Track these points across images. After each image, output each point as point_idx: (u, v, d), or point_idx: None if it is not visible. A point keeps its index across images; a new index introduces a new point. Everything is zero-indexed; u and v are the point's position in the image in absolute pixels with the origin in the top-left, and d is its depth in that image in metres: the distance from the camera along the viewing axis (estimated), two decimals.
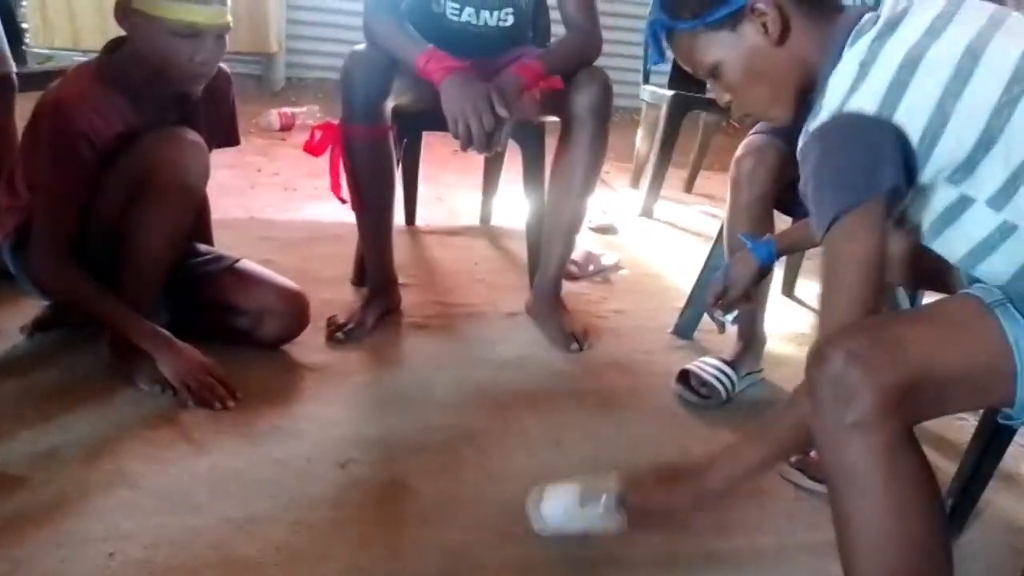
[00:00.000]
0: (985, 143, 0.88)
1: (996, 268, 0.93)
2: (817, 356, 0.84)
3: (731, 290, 1.44)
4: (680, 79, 3.20)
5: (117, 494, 1.26)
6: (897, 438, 0.80)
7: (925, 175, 0.92)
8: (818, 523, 1.37)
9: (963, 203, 0.93)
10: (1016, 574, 1.28)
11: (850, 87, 0.92)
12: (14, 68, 1.87)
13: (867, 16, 1.00)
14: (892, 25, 0.95)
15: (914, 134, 0.89)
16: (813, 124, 0.95)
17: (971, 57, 0.89)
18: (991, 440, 1.33)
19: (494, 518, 1.30)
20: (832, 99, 0.94)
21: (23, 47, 2.46)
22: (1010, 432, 1.32)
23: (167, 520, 1.21)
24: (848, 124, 0.90)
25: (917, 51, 0.90)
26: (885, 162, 0.89)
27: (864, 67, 0.93)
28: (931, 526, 0.82)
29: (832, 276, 0.93)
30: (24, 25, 3.40)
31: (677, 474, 1.20)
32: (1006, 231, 0.92)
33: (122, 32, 1.50)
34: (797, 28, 1.03)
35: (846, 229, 0.90)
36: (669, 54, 1.13)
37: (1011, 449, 1.37)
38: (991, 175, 0.89)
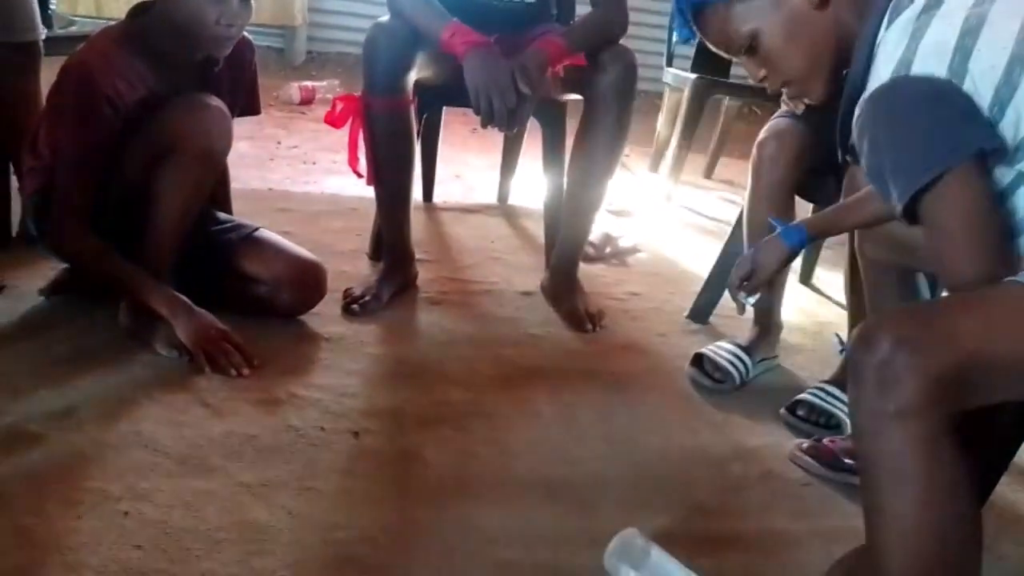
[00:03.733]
0: None
1: None
2: (863, 339, 0.81)
3: (758, 273, 1.42)
4: (704, 63, 3.17)
5: (133, 455, 1.27)
6: (939, 427, 0.78)
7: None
8: (828, 510, 1.37)
9: (1019, 180, 0.90)
10: None
11: (905, 52, 0.89)
12: (42, 34, 1.88)
13: None
14: (937, 1, 0.92)
15: (983, 103, 0.86)
16: (870, 90, 0.92)
17: None
18: (1007, 436, 1.32)
19: (505, 492, 1.30)
20: (886, 64, 0.91)
21: (48, 12, 2.46)
22: None
23: (182, 482, 1.23)
24: (919, 87, 0.87)
25: (977, 18, 0.88)
26: (971, 122, 0.85)
27: (916, 34, 0.90)
28: (966, 519, 0.80)
29: (945, 251, 0.88)
30: None
31: None
32: None
33: None
34: None
35: (941, 197, 0.85)
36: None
37: None
38: None
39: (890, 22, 0.96)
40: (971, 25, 0.88)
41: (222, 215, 1.75)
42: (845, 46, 1.02)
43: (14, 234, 1.93)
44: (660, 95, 3.43)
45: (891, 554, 0.82)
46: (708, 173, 3.64)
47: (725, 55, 1.12)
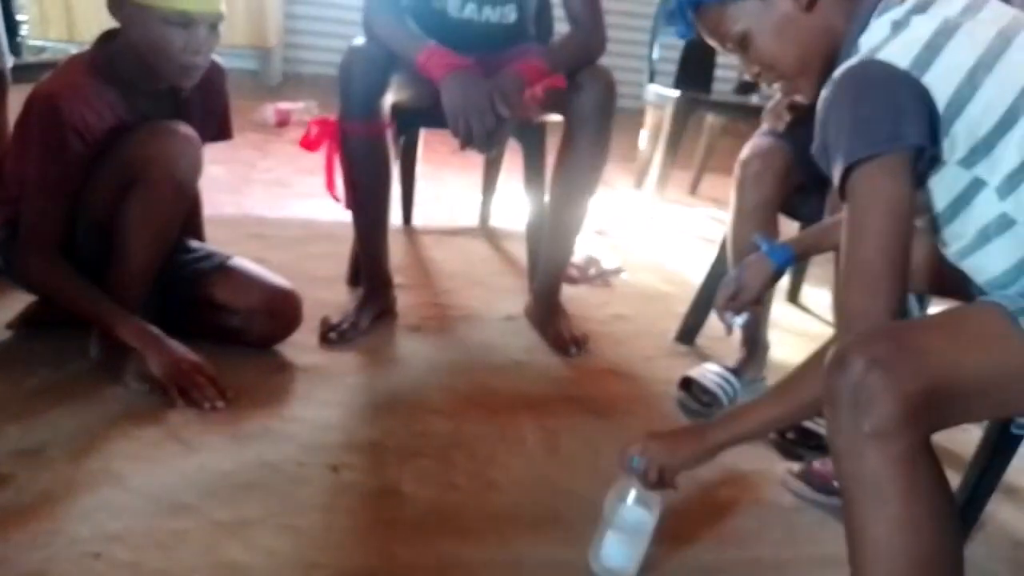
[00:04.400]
0: (1007, 123, 0.87)
1: (989, 261, 0.92)
2: (837, 361, 0.81)
3: (744, 293, 1.41)
4: (687, 78, 3.18)
5: (104, 494, 1.23)
6: (916, 447, 0.77)
7: (944, 148, 0.90)
8: (819, 535, 1.35)
9: (975, 187, 0.91)
10: None
11: (881, 42, 0.91)
12: (9, 62, 1.84)
13: None
14: (924, 6, 0.94)
15: (941, 98, 0.87)
16: (838, 72, 0.93)
17: (1004, 39, 0.89)
18: (995, 453, 1.31)
19: (490, 526, 1.27)
20: (861, 53, 0.93)
21: (18, 39, 2.42)
22: (1015, 444, 1.30)
23: (155, 522, 1.19)
24: (876, 71, 0.88)
25: (954, 22, 0.90)
26: (913, 117, 0.86)
27: (897, 27, 0.92)
28: (945, 539, 0.79)
29: (855, 227, 0.89)
30: (21, 17, 3.36)
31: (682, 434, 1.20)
32: (1004, 224, 0.90)
33: (116, 24, 1.47)
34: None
35: (869, 175, 0.87)
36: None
37: (1014, 463, 1.34)
38: (1006, 158, 0.88)
39: (877, 18, 0.97)
40: (948, 27, 0.89)
41: (194, 243, 1.70)
42: (834, 47, 1.03)
43: None
44: (642, 111, 3.43)
45: (870, 574, 0.80)
46: (693, 190, 3.63)
47: (720, 50, 1.12)
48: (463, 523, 1.27)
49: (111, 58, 1.48)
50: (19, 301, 1.67)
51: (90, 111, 1.43)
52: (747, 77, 1.14)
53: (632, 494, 1.18)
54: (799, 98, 1.09)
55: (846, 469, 0.79)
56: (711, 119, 3.44)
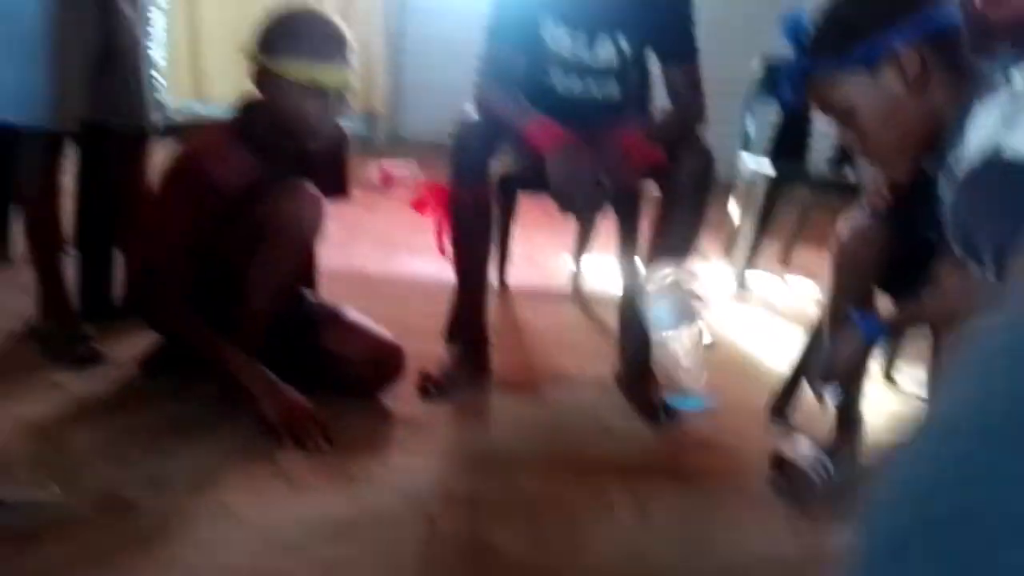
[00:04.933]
0: None
1: None
2: None
3: (836, 367, 1.41)
4: (782, 149, 3.18)
5: (217, 525, 1.31)
6: None
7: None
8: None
9: None
10: None
11: (1000, 129, 0.91)
12: (157, 119, 2.02)
13: (998, 81, 1.00)
14: None
15: None
16: (963, 167, 0.93)
17: None
18: None
19: None
20: (977, 141, 0.93)
21: (158, 97, 2.64)
22: None
23: (266, 557, 1.25)
24: (1014, 168, 0.89)
25: None
26: None
27: (1017, 112, 0.91)
28: None
29: None
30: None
31: None
32: None
33: (247, 87, 1.61)
34: (935, 80, 1.03)
35: None
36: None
37: None
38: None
39: (981, 101, 0.98)
40: None
41: (307, 293, 1.82)
42: (935, 130, 1.04)
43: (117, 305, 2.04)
44: (733, 180, 3.44)
45: None
46: (784, 261, 3.60)
47: (823, 118, 1.15)
48: None
49: (251, 122, 1.62)
50: (147, 340, 1.81)
51: (230, 171, 1.57)
52: (842, 143, 1.16)
53: None
54: (888, 176, 1.10)
55: None
56: (803, 190, 3.43)
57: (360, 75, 1.57)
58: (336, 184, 1.80)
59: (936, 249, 1.48)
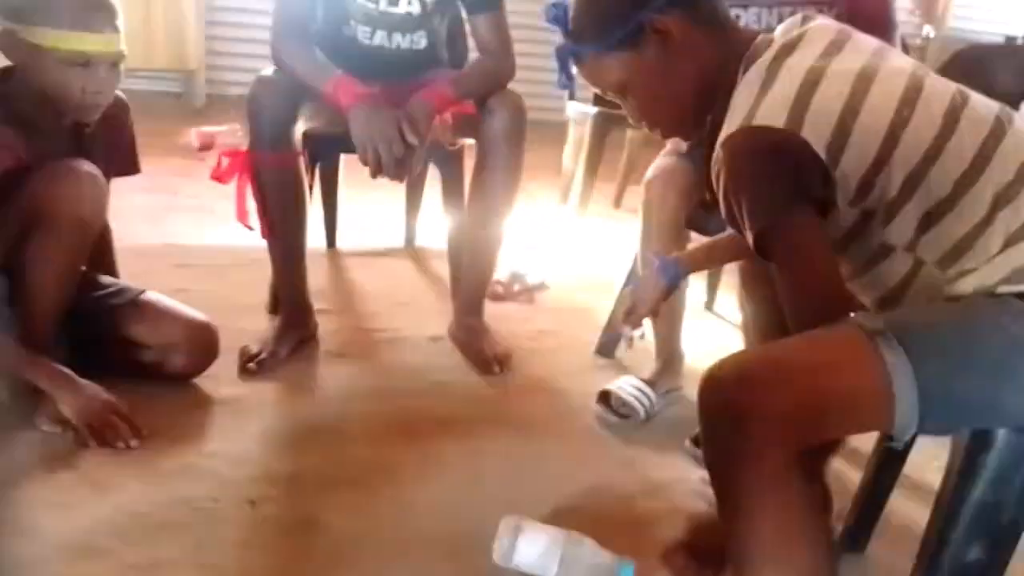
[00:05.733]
0: (881, 160, 0.92)
1: (875, 283, 0.97)
2: (711, 380, 0.85)
3: (638, 307, 1.47)
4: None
5: (12, 544, 1.20)
6: (786, 463, 0.81)
7: (836, 192, 0.94)
8: None
9: (864, 219, 0.96)
10: None
11: (753, 102, 0.95)
12: None
13: (760, 38, 1.05)
14: (788, 49, 0.99)
15: (820, 148, 0.91)
16: (721, 138, 0.97)
17: (864, 80, 0.93)
18: (891, 450, 1.37)
19: (410, 553, 1.28)
20: (737, 114, 0.96)
21: None
22: (908, 442, 1.36)
23: (65, 569, 1.17)
24: (760, 139, 0.93)
25: (817, 71, 0.94)
26: (807, 175, 0.91)
27: (766, 84, 0.96)
28: (816, 551, 0.83)
29: (790, 283, 0.93)
30: None
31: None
32: (886, 250, 0.96)
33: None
34: (697, 45, 1.06)
35: (782, 238, 0.91)
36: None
37: (916, 457, 1.40)
38: (887, 189, 0.93)
39: (745, 69, 1.01)
40: (812, 77, 0.94)
41: (105, 279, 1.68)
42: (707, 92, 1.07)
43: None
44: (566, 125, 3.48)
45: None
46: (616, 203, 3.70)
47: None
48: (384, 552, 1.27)
49: (7, 96, 1.45)
50: None
51: None
52: (633, 122, 1.18)
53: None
54: (678, 139, 1.13)
55: (721, 483, 0.83)
56: (631, 133, 3.52)
57: (169, 30, 1.43)
58: (122, 160, 1.65)
59: None
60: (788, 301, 0.94)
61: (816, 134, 0.91)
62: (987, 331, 0.83)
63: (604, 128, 3.09)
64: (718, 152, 0.96)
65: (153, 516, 1.30)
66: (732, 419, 0.80)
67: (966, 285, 0.90)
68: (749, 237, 0.94)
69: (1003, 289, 0.87)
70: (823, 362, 0.83)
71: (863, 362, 0.81)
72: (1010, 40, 4.77)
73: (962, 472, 0.86)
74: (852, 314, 0.91)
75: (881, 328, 0.82)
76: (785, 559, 0.81)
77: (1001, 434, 0.84)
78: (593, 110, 3.08)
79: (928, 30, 5.09)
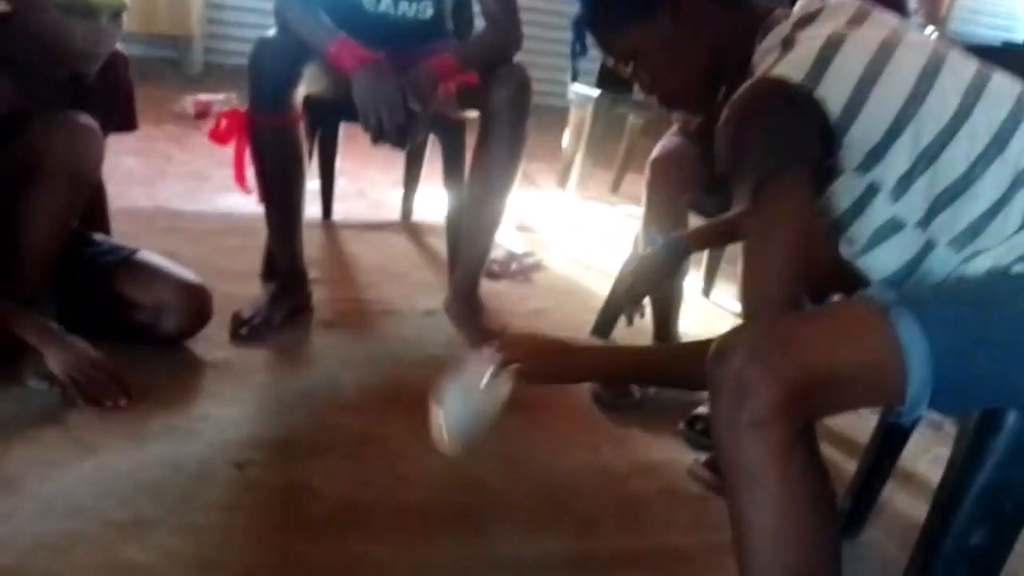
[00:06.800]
0: (895, 131, 0.90)
1: (881, 262, 0.96)
2: (719, 352, 0.84)
3: (639, 285, 1.45)
4: (608, 79, 3.21)
5: None
6: (793, 436, 0.80)
7: (842, 157, 0.93)
8: (725, 523, 1.38)
9: (871, 192, 0.95)
10: None
11: (773, 62, 0.93)
12: None
13: (778, 10, 1.03)
14: (808, 19, 0.98)
15: (835, 109, 0.90)
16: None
17: (886, 49, 0.92)
18: (888, 440, 1.37)
19: (399, 522, 1.26)
20: (757, 73, 0.95)
21: None
22: (906, 432, 1.36)
23: (47, 525, 1.14)
24: (771, 91, 0.91)
25: (839, 35, 0.93)
26: (809, 132, 0.90)
27: (787, 45, 0.95)
28: (823, 525, 0.82)
29: (758, 241, 0.93)
30: None
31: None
32: (894, 226, 0.94)
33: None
34: (711, 16, 1.05)
35: (773, 193, 0.90)
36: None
37: (908, 449, 1.40)
38: (897, 163, 0.91)
39: (762, 39, 1.00)
40: (834, 40, 0.92)
41: (98, 237, 1.65)
42: (720, 64, 1.05)
43: None
44: (567, 110, 3.46)
45: (751, 559, 0.83)
46: (614, 188, 3.68)
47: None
48: (372, 520, 1.26)
49: (4, 42, 1.41)
50: None
51: None
52: (643, 95, 1.16)
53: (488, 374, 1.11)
54: (687, 112, 1.11)
55: (727, 456, 0.82)
56: (632, 119, 3.49)
57: None
58: (120, 114, 1.62)
59: None
60: (750, 258, 0.93)
61: (835, 92, 0.90)
62: (1002, 310, 0.82)
63: (605, 112, 3.07)
64: (727, 107, 0.94)
65: (137, 476, 1.27)
66: (739, 391, 0.79)
67: (980, 265, 0.88)
68: (744, 192, 0.92)
69: (1018, 269, 0.86)
70: (834, 335, 0.82)
71: (875, 335, 0.80)
72: (1008, 45, 4.78)
73: (969, 454, 0.85)
74: (861, 290, 0.89)
75: (894, 302, 0.81)
76: (791, 530, 0.80)
77: (1011, 416, 0.83)
78: (595, 93, 3.05)
79: (931, 31, 5.09)
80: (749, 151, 0.91)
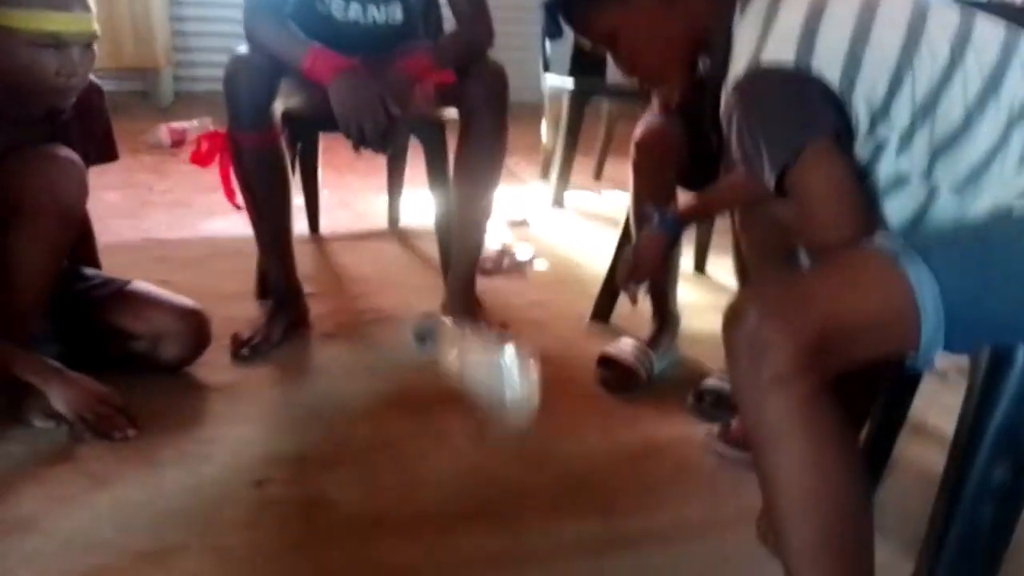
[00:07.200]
0: (894, 86, 0.90)
1: (889, 217, 0.96)
2: (732, 315, 0.84)
3: (641, 264, 1.45)
4: (580, 66, 3.22)
5: (14, 541, 1.17)
6: (815, 390, 0.80)
7: (854, 124, 0.93)
8: (742, 490, 1.39)
9: (879, 149, 0.95)
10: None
11: (758, 42, 0.93)
12: None
13: None
14: None
15: (832, 80, 0.90)
16: (730, 82, 0.95)
17: (869, 8, 0.92)
18: (897, 394, 1.37)
19: (419, 524, 1.26)
20: (743, 54, 0.95)
21: None
22: (914, 384, 1.37)
23: (71, 562, 1.14)
24: (771, 75, 0.91)
25: (819, 3, 0.92)
26: (820, 108, 0.90)
27: (768, 21, 0.94)
28: (851, 476, 0.82)
29: (811, 215, 0.92)
30: None
31: None
32: (900, 181, 0.95)
33: None
34: None
35: (807, 165, 0.90)
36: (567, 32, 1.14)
37: (916, 403, 1.41)
38: (900, 118, 0.92)
39: (742, 10, 0.99)
40: (815, 10, 0.92)
41: (89, 271, 1.64)
42: (700, 40, 1.05)
43: None
44: (542, 104, 3.46)
45: (785, 520, 0.83)
46: (597, 175, 3.69)
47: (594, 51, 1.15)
48: (394, 524, 1.26)
49: None
50: None
51: None
52: (624, 76, 1.16)
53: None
54: (667, 89, 1.11)
55: (751, 418, 0.82)
56: (608, 105, 3.50)
57: (136, 28, 1.38)
58: (99, 146, 1.61)
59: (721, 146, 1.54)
60: (814, 234, 0.93)
61: (829, 62, 0.90)
62: (1008, 247, 0.83)
63: (581, 100, 3.07)
64: (729, 98, 0.95)
65: (155, 504, 1.27)
66: (757, 350, 0.79)
67: (982, 207, 0.89)
68: (770, 178, 0.93)
69: (1020, 207, 0.86)
70: (845, 285, 0.82)
71: (886, 282, 0.80)
72: None
73: (983, 393, 0.85)
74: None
75: (902, 249, 0.81)
76: (821, 483, 0.80)
77: (1021, 352, 0.83)
78: (569, 82, 3.05)
79: None
80: (764, 143, 0.91)
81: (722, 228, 2.22)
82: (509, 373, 1.20)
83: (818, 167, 0.90)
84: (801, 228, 0.94)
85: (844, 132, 0.92)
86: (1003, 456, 0.85)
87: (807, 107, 0.90)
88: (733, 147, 0.97)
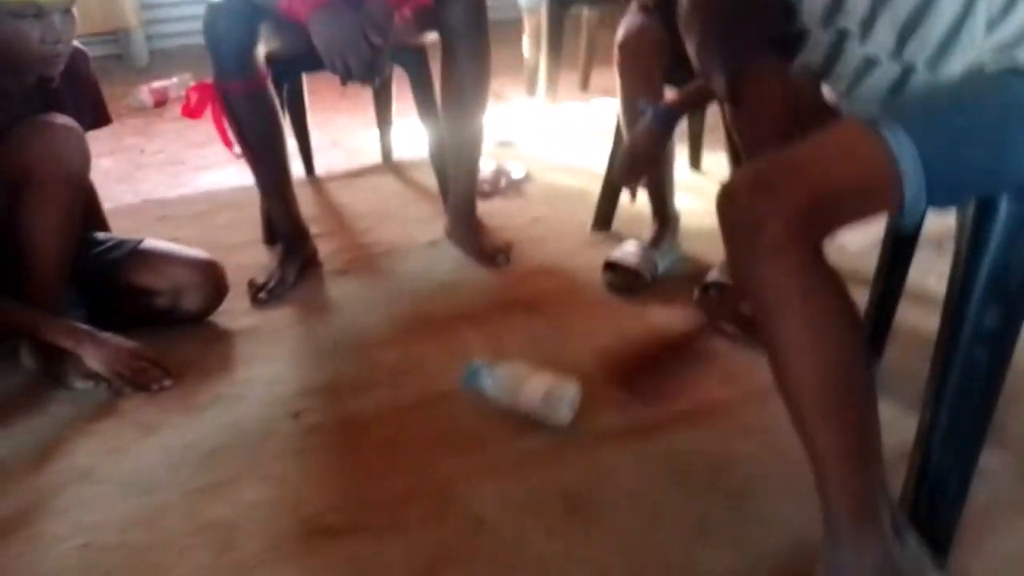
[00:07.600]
0: None
1: (867, 96, 0.99)
2: (726, 195, 0.87)
3: (638, 158, 1.48)
4: None
5: (74, 491, 1.25)
6: (810, 256, 0.84)
7: (803, 19, 0.95)
8: (754, 370, 1.45)
9: (839, 40, 0.97)
10: None
11: None
12: None
13: None
14: None
15: None
16: None
17: None
18: (894, 262, 1.42)
19: (455, 434, 1.34)
20: None
21: None
22: (909, 251, 1.41)
23: (133, 503, 1.22)
24: None
25: None
26: (767, 13, 0.94)
27: None
28: (850, 336, 0.87)
29: (754, 123, 0.98)
30: None
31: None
32: (870, 63, 0.97)
33: None
34: None
35: (749, 83, 0.95)
36: None
37: (914, 270, 1.45)
38: (857, 7, 0.93)
39: None
40: None
41: (101, 235, 1.68)
42: None
43: None
44: (520, 20, 3.41)
45: (788, 380, 0.88)
46: (584, 85, 3.66)
47: None
48: (427, 444, 1.32)
49: None
50: None
51: None
52: None
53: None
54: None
55: (751, 290, 0.87)
56: (587, 14, 3.45)
57: None
58: (91, 111, 1.62)
59: None
60: (748, 141, 0.97)
61: None
62: (981, 101, 0.86)
63: (559, 12, 3.04)
64: (684, 2, 0.97)
65: (202, 445, 1.34)
66: (751, 223, 0.82)
67: (954, 69, 0.92)
68: (720, 85, 0.96)
69: (991, 67, 0.89)
70: (830, 156, 0.85)
71: (868, 147, 0.83)
72: None
73: (971, 242, 0.90)
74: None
75: (880, 116, 0.85)
76: (821, 341, 0.85)
77: (1003, 202, 0.88)
78: None
79: None
80: (719, 47, 0.95)
81: (713, 124, 2.24)
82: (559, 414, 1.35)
83: (761, 84, 0.95)
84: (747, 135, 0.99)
85: (793, 37, 0.97)
86: (993, 302, 0.90)
87: (756, 17, 0.96)
88: (691, 51, 1.00)
